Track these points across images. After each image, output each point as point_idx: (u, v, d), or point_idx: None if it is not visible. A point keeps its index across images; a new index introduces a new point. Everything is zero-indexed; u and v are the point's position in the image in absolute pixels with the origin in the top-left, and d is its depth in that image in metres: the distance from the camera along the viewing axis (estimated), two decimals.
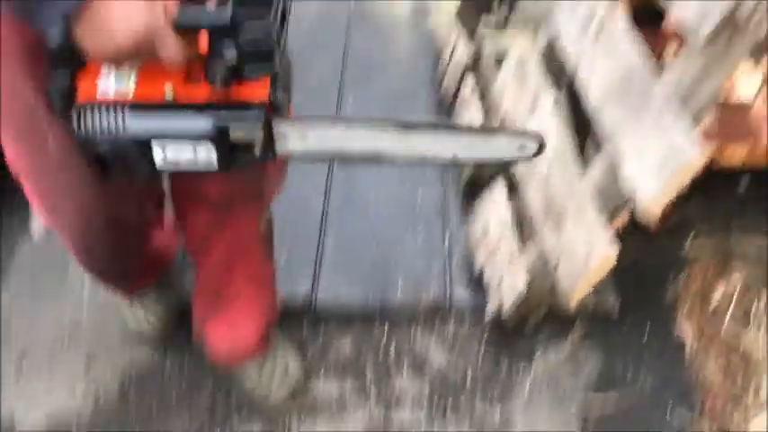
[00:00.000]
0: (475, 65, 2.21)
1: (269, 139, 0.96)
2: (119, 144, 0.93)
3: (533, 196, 1.66)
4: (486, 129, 1.11)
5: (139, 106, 0.92)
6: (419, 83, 2.54)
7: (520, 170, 1.74)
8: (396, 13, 2.96)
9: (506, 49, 2.01)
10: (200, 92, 0.92)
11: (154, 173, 0.98)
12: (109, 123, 0.92)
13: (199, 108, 0.93)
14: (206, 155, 0.95)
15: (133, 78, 0.93)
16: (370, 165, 1.05)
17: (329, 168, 2.18)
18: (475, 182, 2.08)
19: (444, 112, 2.36)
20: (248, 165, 0.98)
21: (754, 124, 1.68)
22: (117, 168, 0.98)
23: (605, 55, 1.47)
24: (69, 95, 0.92)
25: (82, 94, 0.92)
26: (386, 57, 2.70)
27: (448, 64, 2.39)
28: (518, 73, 1.84)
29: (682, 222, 2.02)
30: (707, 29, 1.19)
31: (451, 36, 2.38)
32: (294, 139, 0.97)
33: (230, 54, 0.88)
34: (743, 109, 1.74)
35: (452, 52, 2.36)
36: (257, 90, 0.92)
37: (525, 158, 1.04)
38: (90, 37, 0.84)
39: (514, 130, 1.05)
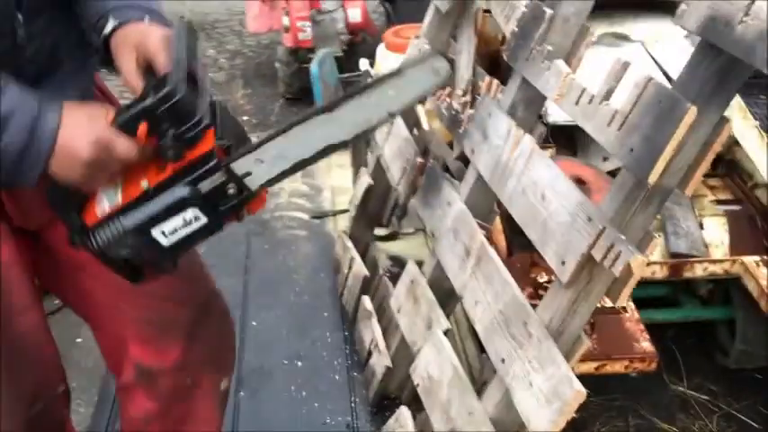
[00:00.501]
0: (371, 281, 2.33)
1: (237, 179, 1.08)
2: (127, 243, 1.09)
3: (437, 419, 1.72)
4: (395, 72, 1.18)
5: (128, 207, 1.09)
6: (321, 296, 2.62)
7: (422, 391, 1.80)
8: (293, 224, 3.11)
9: (401, 258, 2.14)
10: (167, 171, 1.07)
11: (167, 256, 1.12)
12: (113, 231, 1.09)
13: (168, 184, 1.07)
14: (196, 217, 1.09)
15: (120, 190, 1.10)
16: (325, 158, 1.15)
17: (235, 390, 2.17)
18: (383, 397, 2.12)
19: (347, 327, 2.43)
20: (236, 214, 1.12)
21: (630, 332, 1.84)
22: (140, 265, 1.13)
23: (486, 286, 1.60)
24: (83, 228, 1.11)
25: (89, 221, 1.11)
26: (286, 268, 2.80)
27: (346, 278, 2.50)
28: (411, 293, 1.96)
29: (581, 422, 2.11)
30: (569, 267, 1.34)
31: (347, 252, 2.51)
32: (255, 168, 1.09)
33: (168, 130, 1.03)
34: (618, 318, 1.90)
35: (350, 266, 2.48)
36: (205, 145, 1.06)
37: (444, 80, 1.20)
38: (65, 170, 1.04)
39: (418, 59, 1.20)
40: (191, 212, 1.08)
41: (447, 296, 1.95)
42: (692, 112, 1.14)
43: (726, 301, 2.20)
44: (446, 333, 1.78)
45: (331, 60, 4.08)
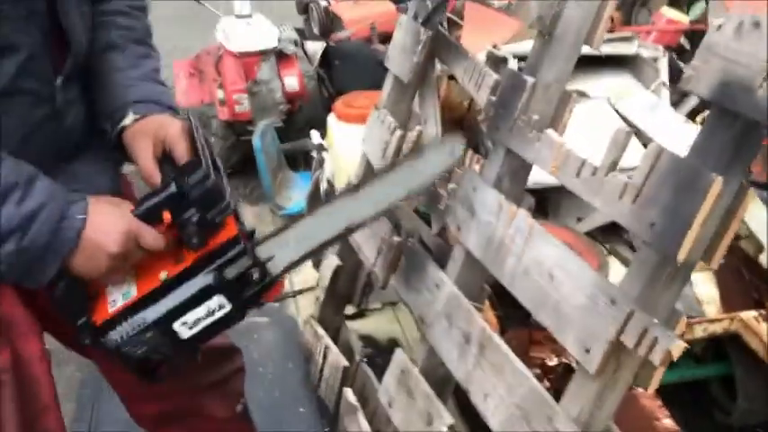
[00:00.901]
0: (349, 371, 2.17)
1: (261, 264, 1.07)
2: (145, 339, 1.05)
3: None
4: (415, 153, 1.25)
5: (145, 300, 1.06)
6: (294, 389, 2.44)
7: None
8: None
9: (374, 338, 2.00)
10: (188, 259, 1.05)
11: (187, 349, 1.09)
12: (130, 327, 1.05)
13: (191, 273, 1.05)
14: (221, 305, 1.06)
15: (133, 285, 1.07)
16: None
17: None
18: None
19: (327, 422, 2.25)
20: (257, 300, 1.10)
21: (649, 410, 1.75)
22: (156, 362, 1.08)
23: (496, 378, 1.48)
24: (93, 327, 1.06)
25: (98, 318, 1.06)
26: (252, 361, 2.60)
27: (321, 369, 2.33)
28: (403, 385, 1.82)
29: None
30: (596, 356, 1.23)
31: (320, 340, 2.35)
32: (279, 252, 1.09)
33: (192, 217, 1.03)
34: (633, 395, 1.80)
35: (324, 355, 2.32)
36: (229, 230, 1.06)
37: (458, 160, 1.29)
38: (88, 264, 1.02)
39: (437, 141, 1.29)
40: (216, 301, 1.07)
41: (443, 384, 1.83)
42: (718, 182, 1.08)
43: (719, 358, 2.14)
44: (450, 429, 1.64)
45: (272, 131, 3.97)
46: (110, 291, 1.10)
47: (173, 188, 1.04)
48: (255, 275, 1.08)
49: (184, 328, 1.08)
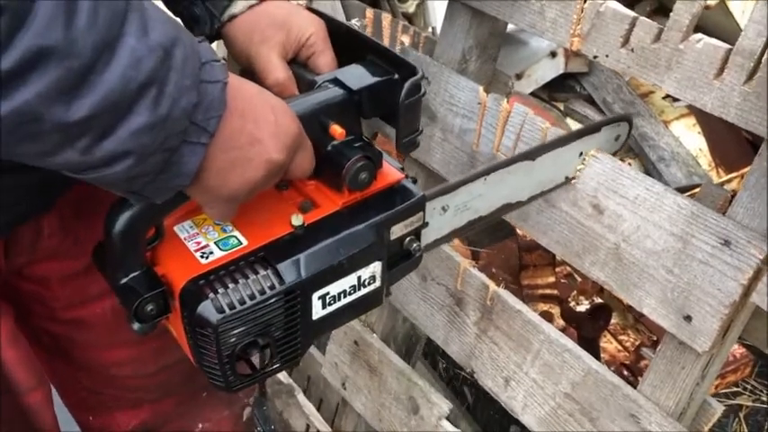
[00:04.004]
0: None
1: (418, 231, 0.81)
2: (264, 314, 0.70)
3: None
4: (588, 127, 0.97)
5: (271, 251, 0.72)
6: None
7: None
8: None
9: None
10: (335, 202, 0.77)
11: (307, 337, 0.75)
12: (242, 292, 0.69)
13: (346, 220, 0.76)
14: (372, 277, 0.78)
15: (232, 229, 0.74)
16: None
17: None
18: None
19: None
20: (400, 277, 0.83)
21: None
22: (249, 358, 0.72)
23: (517, 353, 1.07)
24: (168, 288, 0.70)
25: (179, 277, 0.70)
26: None
27: None
28: (361, 360, 1.39)
29: None
30: (708, 328, 0.85)
31: None
32: (435, 217, 0.84)
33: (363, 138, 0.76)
34: None
35: None
36: (391, 173, 0.79)
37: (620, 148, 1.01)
38: (224, 173, 0.62)
39: (605, 120, 0.99)
40: (371, 269, 0.78)
41: (411, 348, 1.42)
42: None
43: None
44: (449, 417, 1.24)
45: None
46: (184, 233, 0.75)
47: (339, 92, 0.75)
48: (414, 245, 0.80)
49: (320, 303, 0.76)
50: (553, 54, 1.85)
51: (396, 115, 0.77)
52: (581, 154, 0.95)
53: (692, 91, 0.83)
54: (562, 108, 1.83)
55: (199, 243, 0.74)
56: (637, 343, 1.41)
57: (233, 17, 0.85)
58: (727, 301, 0.83)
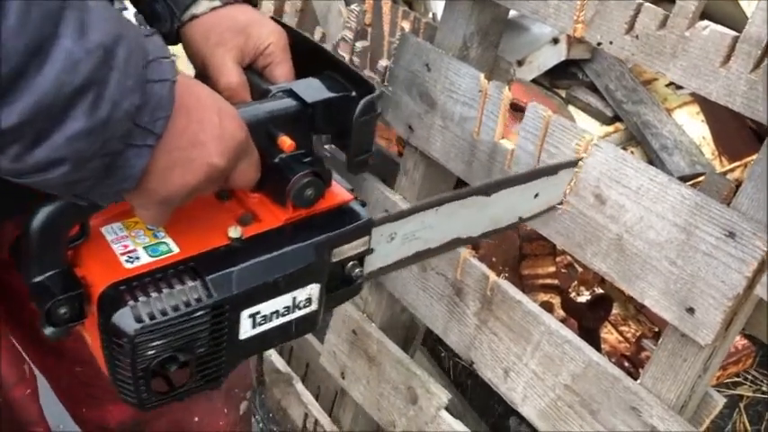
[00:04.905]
0: None
1: (362, 256, 0.78)
2: (187, 328, 0.65)
3: None
4: (544, 169, 0.95)
5: (202, 261, 0.68)
6: None
7: None
8: None
9: None
10: (278, 218, 0.73)
11: (234, 357, 0.71)
12: (166, 302, 0.64)
13: (285, 238, 0.72)
14: (308, 300, 0.74)
15: (164, 235, 0.71)
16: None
17: None
18: None
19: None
20: (337, 303, 0.81)
21: None
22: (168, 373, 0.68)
23: (517, 344, 1.06)
24: (85, 291, 0.66)
25: (99, 280, 0.65)
26: None
27: None
28: (359, 349, 1.38)
29: None
30: (711, 321, 0.84)
31: None
32: (382, 245, 0.81)
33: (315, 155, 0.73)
34: None
35: None
36: (340, 193, 0.76)
37: None
38: (163, 175, 0.59)
39: (563, 164, 0.94)
40: (308, 291, 0.74)
41: (410, 337, 1.41)
42: None
43: None
44: (448, 407, 1.24)
45: None
46: (112, 234, 0.71)
47: (292, 103, 0.73)
48: (356, 270, 0.77)
49: (250, 322, 0.72)
50: (555, 40, 1.83)
51: (349, 133, 0.75)
52: (536, 195, 0.92)
53: (698, 79, 0.82)
54: (564, 95, 1.81)
55: (126, 247, 0.70)
56: (638, 334, 1.40)
57: (194, 17, 0.83)
58: (730, 294, 0.82)
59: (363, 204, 0.79)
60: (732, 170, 1.62)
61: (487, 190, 0.88)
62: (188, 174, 0.60)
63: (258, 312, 0.71)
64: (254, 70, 0.82)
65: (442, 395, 1.23)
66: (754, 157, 1.61)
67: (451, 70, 1.09)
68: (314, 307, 0.75)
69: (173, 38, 0.85)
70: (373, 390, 1.36)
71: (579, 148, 0.94)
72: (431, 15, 2.26)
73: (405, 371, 1.29)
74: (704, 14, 0.82)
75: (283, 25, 0.84)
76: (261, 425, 1.76)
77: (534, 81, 1.83)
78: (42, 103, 0.47)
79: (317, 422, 1.55)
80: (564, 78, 1.85)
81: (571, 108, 1.80)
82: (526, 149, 1.00)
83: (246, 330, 0.71)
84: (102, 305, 0.64)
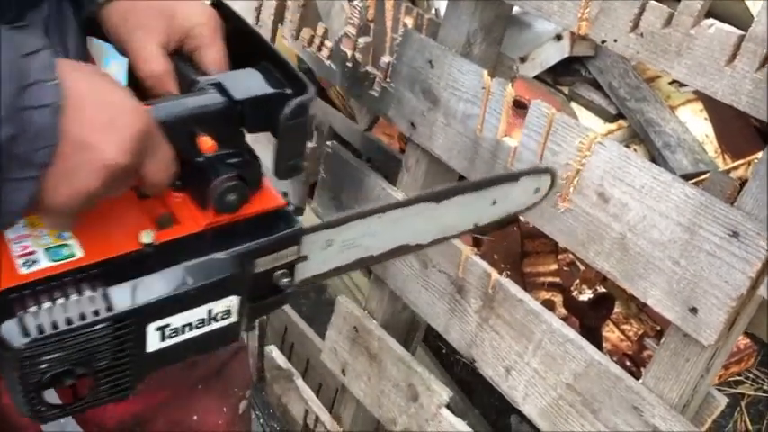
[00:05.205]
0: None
1: (291, 265, 0.72)
2: (87, 340, 0.60)
3: None
4: (503, 176, 0.92)
5: (107, 267, 0.63)
6: None
7: None
8: None
9: None
10: (198, 223, 0.67)
11: (139, 370, 0.66)
12: (63, 311, 0.59)
13: (204, 245, 0.66)
14: (226, 312, 0.68)
15: (70, 238, 0.64)
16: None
17: None
18: None
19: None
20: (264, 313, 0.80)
21: None
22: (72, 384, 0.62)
23: (519, 342, 1.06)
24: None
25: None
26: None
27: None
28: (360, 346, 1.38)
29: None
30: (714, 321, 0.84)
31: None
32: (316, 252, 0.76)
33: (239, 156, 0.67)
34: None
35: None
36: (270, 198, 0.70)
37: (539, 201, 0.92)
38: (52, 191, 0.55)
39: (525, 171, 0.92)
40: (226, 303, 0.68)
41: (410, 334, 1.41)
42: None
43: None
44: (448, 405, 1.23)
45: None
46: (13, 233, 0.64)
47: (218, 99, 0.66)
48: (284, 279, 0.71)
49: (158, 334, 0.66)
50: (558, 37, 1.82)
51: (277, 135, 0.68)
52: (494, 202, 0.88)
53: (703, 78, 0.81)
54: (567, 92, 1.81)
55: (25, 248, 0.63)
56: (640, 332, 1.40)
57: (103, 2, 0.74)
58: (734, 294, 0.81)
59: (297, 211, 0.74)
60: (735, 168, 1.61)
61: (438, 197, 0.84)
62: (79, 182, 0.55)
63: (168, 325, 0.66)
64: (182, 56, 0.74)
65: (443, 393, 1.23)
66: (757, 155, 1.61)
67: (455, 67, 1.08)
68: (233, 319, 0.70)
69: (93, 25, 0.77)
70: (374, 387, 1.36)
71: (583, 146, 0.94)
72: (434, 11, 2.25)
73: (406, 368, 1.29)
74: (710, 13, 0.82)
75: (218, 6, 0.76)
76: (261, 421, 1.76)
77: (537, 78, 1.82)
78: None
79: (317, 419, 1.55)
80: (567, 75, 1.84)
81: (574, 105, 1.80)
82: (529, 147, 1.00)
83: (155, 343, 0.66)
84: None
